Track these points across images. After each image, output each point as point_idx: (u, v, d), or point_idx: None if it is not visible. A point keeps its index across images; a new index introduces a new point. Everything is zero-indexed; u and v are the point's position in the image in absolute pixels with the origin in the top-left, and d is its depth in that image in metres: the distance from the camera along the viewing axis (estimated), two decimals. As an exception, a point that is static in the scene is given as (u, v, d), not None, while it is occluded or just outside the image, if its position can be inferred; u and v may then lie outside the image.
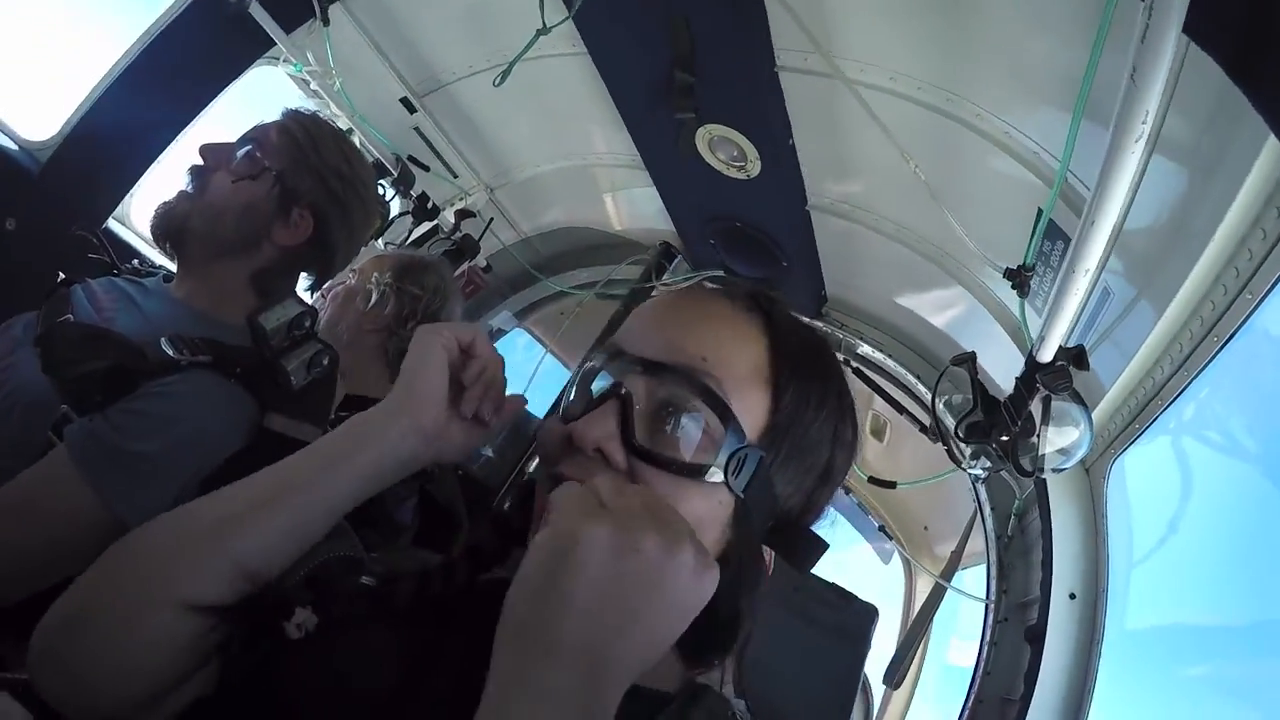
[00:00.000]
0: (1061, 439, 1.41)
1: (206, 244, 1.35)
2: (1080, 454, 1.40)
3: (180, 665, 0.65)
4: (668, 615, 0.56)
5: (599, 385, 0.74)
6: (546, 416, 2.60)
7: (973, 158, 1.77)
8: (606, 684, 0.53)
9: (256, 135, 1.38)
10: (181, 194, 1.37)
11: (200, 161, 1.37)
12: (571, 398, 0.77)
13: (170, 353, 1.17)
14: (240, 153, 1.36)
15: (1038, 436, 1.45)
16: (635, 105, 2.27)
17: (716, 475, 0.67)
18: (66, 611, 0.67)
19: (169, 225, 1.35)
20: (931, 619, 2.24)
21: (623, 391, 0.70)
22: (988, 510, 2.19)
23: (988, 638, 2.04)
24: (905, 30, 1.70)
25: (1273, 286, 1.17)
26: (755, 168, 2.24)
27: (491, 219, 3.01)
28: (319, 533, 0.72)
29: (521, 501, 0.77)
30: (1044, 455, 1.41)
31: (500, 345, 3.21)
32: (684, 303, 0.78)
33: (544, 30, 1.74)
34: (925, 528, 3.17)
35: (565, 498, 0.60)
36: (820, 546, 0.72)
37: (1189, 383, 1.44)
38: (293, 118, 1.41)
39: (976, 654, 2.05)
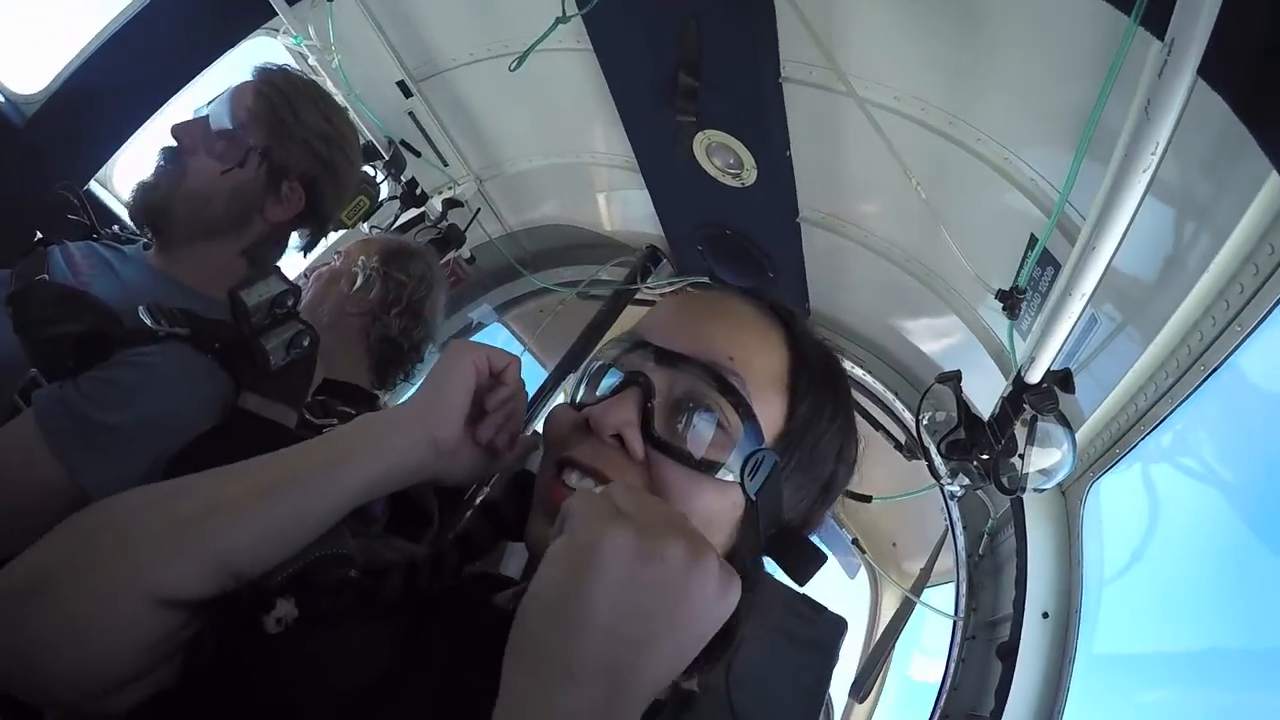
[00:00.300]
0: (1044, 459, 1.45)
1: (192, 227, 1.31)
2: (1062, 475, 1.44)
3: (145, 659, 0.61)
4: (691, 629, 0.54)
5: (615, 376, 0.74)
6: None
7: (970, 181, 1.80)
8: (627, 704, 0.50)
9: (232, 108, 1.32)
10: (160, 172, 1.31)
11: (174, 142, 1.31)
12: (584, 387, 0.77)
13: (148, 322, 1.12)
14: (217, 131, 1.30)
15: (1021, 456, 1.48)
16: (635, 105, 2.28)
17: (730, 475, 0.67)
18: (29, 578, 0.61)
19: (149, 209, 1.31)
20: (900, 633, 2.26)
21: (644, 380, 0.69)
22: (959, 529, 2.23)
23: (955, 654, 2.08)
24: (915, 52, 1.73)
25: (1262, 319, 1.21)
26: (751, 176, 2.26)
27: (479, 210, 2.97)
28: (313, 534, 0.67)
29: (513, 491, 0.75)
30: (1027, 474, 1.44)
31: (478, 339, 3.18)
32: (711, 302, 0.78)
33: (563, 19, 1.73)
34: (894, 544, 3.22)
35: (582, 504, 0.56)
36: (819, 558, 0.71)
37: (1171, 411, 1.49)
38: (265, 80, 1.35)
39: (944, 670, 2.08)
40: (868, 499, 2.03)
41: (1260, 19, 0.97)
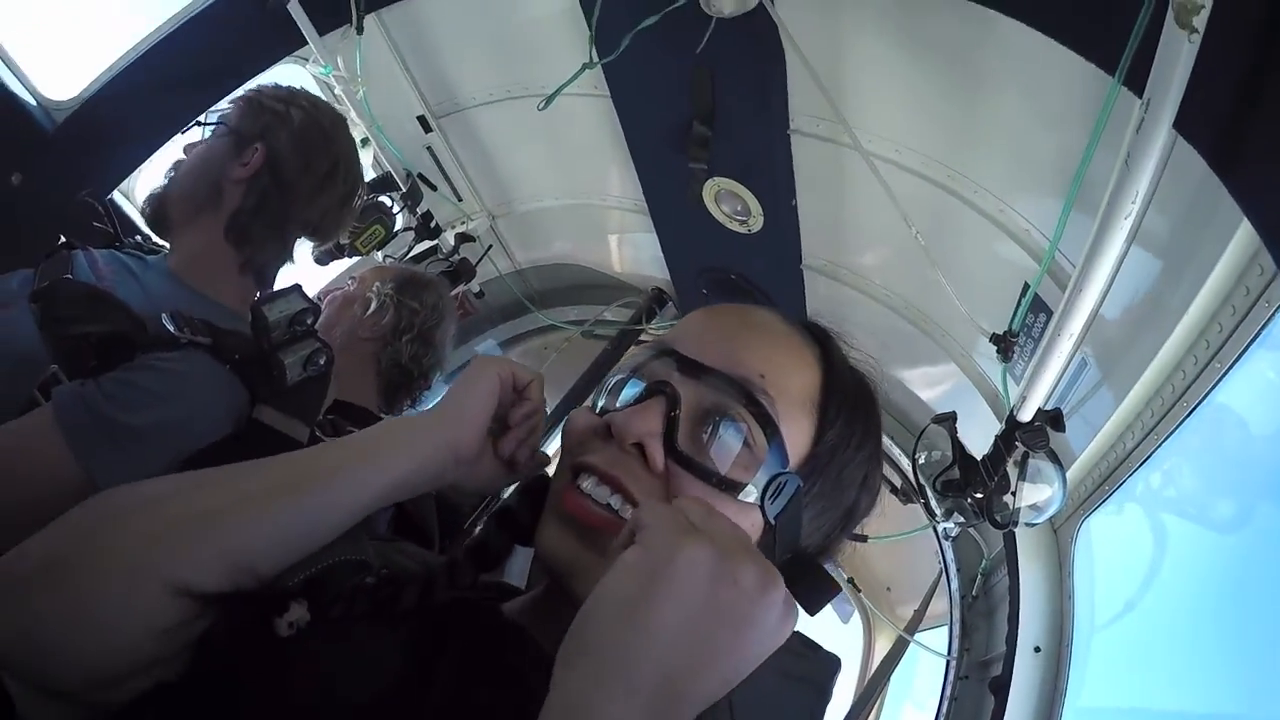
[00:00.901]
0: (1036, 495, 1.49)
1: (181, 207, 1.40)
2: (1053, 509, 1.48)
3: (154, 646, 0.59)
4: (747, 655, 0.53)
5: (637, 387, 0.72)
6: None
7: (966, 231, 1.89)
8: (678, 718, 0.49)
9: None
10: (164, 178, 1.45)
11: (182, 156, 1.45)
12: (606, 395, 0.76)
13: (171, 329, 1.16)
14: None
15: (1013, 492, 1.52)
16: (649, 150, 2.38)
17: (751, 495, 0.65)
18: (42, 559, 0.59)
19: (155, 208, 1.43)
20: (892, 673, 2.26)
21: (670, 391, 0.68)
22: (953, 570, 2.25)
23: (948, 693, 2.08)
24: (915, 108, 1.84)
25: (1240, 355, 1.28)
26: (757, 223, 2.35)
27: (490, 246, 3.06)
28: (331, 534, 0.67)
29: (527, 497, 0.75)
30: (1019, 509, 1.48)
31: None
32: (744, 314, 0.77)
33: (590, 65, 1.84)
34: (888, 589, 3.22)
35: (657, 515, 0.55)
36: (832, 589, 0.66)
37: (1157, 447, 1.55)
38: (254, 87, 1.50)
39: (936, 709, 2.08)
40: (864, 538, 2.05)
41: (1229, 79, 1.05)
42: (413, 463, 0.69)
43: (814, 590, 0.63)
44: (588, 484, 0.67)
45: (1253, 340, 1.23)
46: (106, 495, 0.65)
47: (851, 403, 0.74)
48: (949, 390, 2.41)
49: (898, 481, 2.60)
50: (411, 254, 2.85)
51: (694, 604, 0.50)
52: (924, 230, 1.86)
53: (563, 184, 2.92)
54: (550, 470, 0.77)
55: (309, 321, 1.29)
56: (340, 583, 0.68)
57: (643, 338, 3.03)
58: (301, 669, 0.62)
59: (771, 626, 0.53)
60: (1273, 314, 1.20)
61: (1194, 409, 1.41)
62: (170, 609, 0.58)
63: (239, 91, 1.50)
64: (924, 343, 2.32)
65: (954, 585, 2.24)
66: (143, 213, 1.45)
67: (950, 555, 2.27)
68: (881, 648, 3.11)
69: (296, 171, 1.43)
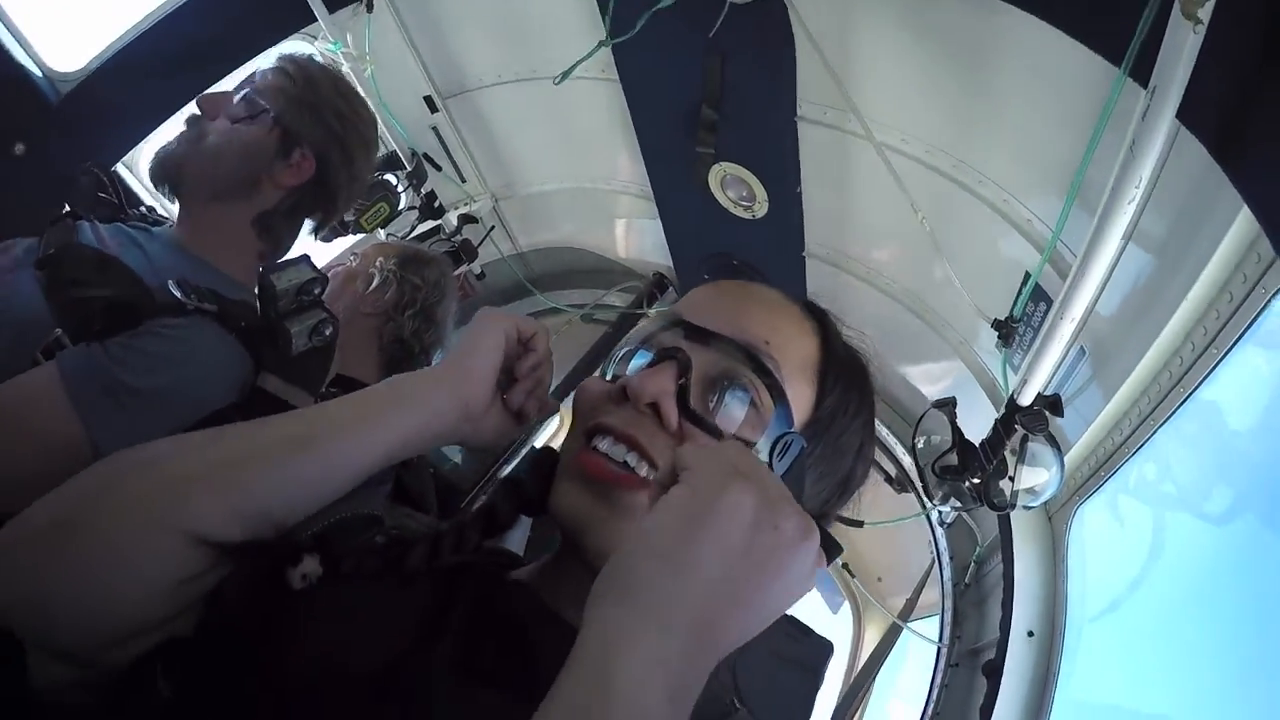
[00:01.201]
0: (1034, 478, 1.51)
1: (204, 186, 1.35)
2: (1050, 492, 1.50)
3: (169, 600, 0.59)
4: (779, 601, 0.54)
5: (646, 356, 0.74)
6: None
7: (970, 221, 1.91)
8: (707, 660, 0.50)
9: (253, 79, 1.40)
10: (180, 137, 1.37)
11: (198, 111, 1.38)
12: (615, 364, 0.78)
13: (178, 295, 1.15)
14: (238, 98, 1.37)
15: (1012, 475, 1.54)
16: (656, 134, 2.39)
17: (760, 455, 0.66)
18: (53, 515, 0.59)
19: (166, 168, 1.36)
20: (883, 662, 2.28)
21: (682, 355, 0.70)
22: (946, 559, 2.27)
23: (939, 680, 2.11)
24: (923, 98, 1.85)
25: (1237, 340, 1.31)
26: (762, 209, 2.36)
27: (492, 227, 3.07)
28: (344, 487, 0.68)
29: (536, 467, 0.76)
30: (1017, 492, 1.51)
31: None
32: (748, 288, 0.81)
33: (606, 42, 1.84)
34: (879, 579, 3.25)
35: (701, 457, 0.56)
36: (836, 549, 0.67)
37: (1152, 434, 1.57)
38: (288, 59, 1.43)
39: (926, 696, 2.11)
40: (860, 524, 2.08)
41: (1232, 68, 1.08)
42: (422, 419, 0.70)
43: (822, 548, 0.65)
44: (604, 444, 0.69)
45: (1250, 325, 1.25)
46: (115, 457, 0.65)
47: (848, 373, 0.77)
48: (948, 385, 2.43)
49: (893, 471, 2.63)
50: (414, 234, 2.86)
51: (736, 547, 0.50)
52: (929, 219, 1.88)
53: (566, 168, 2.92)
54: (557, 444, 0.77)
55: (316, 291, 1.29)
56: (352, 538, 0.69)
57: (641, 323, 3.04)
58: (314, 621, 0.63)
59: (805, 574, 0.54)
60: (1270, 299, 1.22)
61: (1190, 395, 1.43)
62: (189, 558, 0.59)
63: (276, 62, 1.42)
64: (924, 333, 2.34)
65: (946, 574, 2.27)
66: (151, 170, 1.38)
67: (943, 544, 2.30)
68: (871, 638, 3.14)
69: (341, 186, 1.44)
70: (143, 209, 1.59)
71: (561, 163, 2.91)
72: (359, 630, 0.64)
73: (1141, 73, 1.17)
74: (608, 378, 0.77)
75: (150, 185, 1.48)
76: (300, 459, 0.65)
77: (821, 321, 0.79)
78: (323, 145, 1.39)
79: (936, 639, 2.21)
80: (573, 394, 0.76)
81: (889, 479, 2.60)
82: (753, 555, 0.51)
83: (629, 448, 0.68)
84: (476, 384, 0.73)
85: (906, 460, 2.47)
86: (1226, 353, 1.31)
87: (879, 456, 2.70)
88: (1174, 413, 1.47)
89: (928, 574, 2.40)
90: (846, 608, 3.36)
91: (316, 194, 1.42)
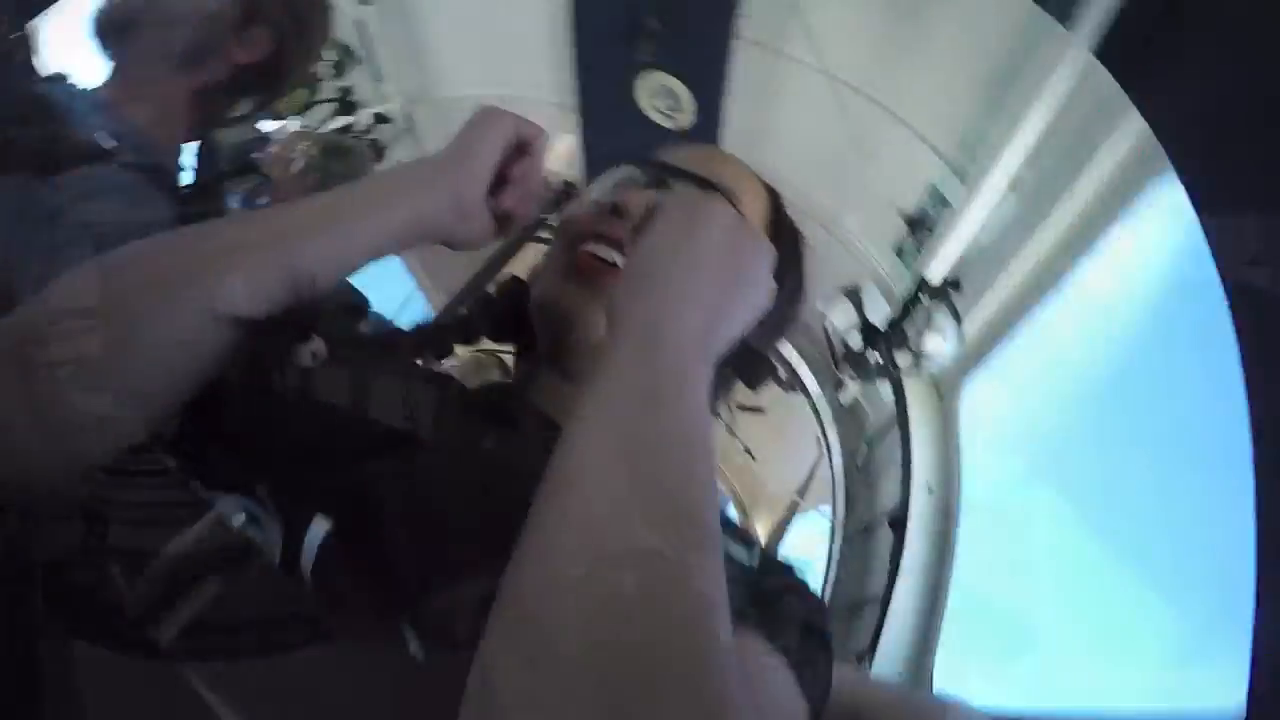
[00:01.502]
0: (935, 344, 1.78)
1: (152, 47, 1.24)
2: (951, 352, 1.77)
3: (189, 380, 0.56)
4: (755, 304, 0.58)
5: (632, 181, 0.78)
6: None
7: (884, 137, 2.14)
8: (720, 341, 0.54)
9: None
10: None
11: None
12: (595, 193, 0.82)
13: (107, 148, 1.08)
14: None
15: (913, 347, 1.80)
16: (590, 41, 2.44)
17: None
18: (56, 310, 0.54)
19: (114, 21, 1.23)
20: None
21: (667, 181, 0.74)
22: (836, 448, 2.55)
23: (836, 551, 2.38)
24: (852, 22, 2.04)
25: (1112, 223, 1.59)
26: (686, 120, 2.48)
27: (406, 129, 3.01)
28: (353, 268, 0.65)
29: (511, 296, 0.79)
30: (922, 354, 1.76)
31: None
32: (711, 149, 0.90)
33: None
34: (765, 484, 3.53)
35: (676, 191, 0.65)
36: (768, 365, 0.74)
37: (1035, 305, 1.85)
38: None
39: (824, 573, 2.37)
40: (760, 409, 2.31)
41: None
42: (416, 210, 0.67)
43: (751, 370, 0.73)
44: (600, 249, 0.72)
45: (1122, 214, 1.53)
46: (113, 254, 0.59)
47: (793, 237, 0.87)
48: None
49: (784, 374, 2.86)
50: (328, 127, 2.75)
51: (724, 242, 0.55)
52: (848, 139, 2.10)
53: (489, 74, 2.91)
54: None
55: (254, 155, 1.27)
56: (343, 325, 0.72)
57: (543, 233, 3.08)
58: (325, 396, 0.65)
59: (769, 284, 0.59)
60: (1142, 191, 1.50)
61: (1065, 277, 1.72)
62: (213, 336, 0.56)
63: None
64: (834, 248, 2.56)
65: (836, 461, 2.55)
66: (97, 20, 1.21)
67: (833, 434, 2.56)
68: (762, 530, 3.40)
69: (289, 72, 1.36)
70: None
71: (485, 69, 2.89)
72: (367, 400, 0.66)
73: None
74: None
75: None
76: (325, 237, 0.62)
77: (772, 191, 0.88)
78: (282, 26, 1.30)
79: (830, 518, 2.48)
80: (560, 221, 0.79)
81: (778, 380, 2.84)
82: (738, 252, 0.56)
83: (621, 252, 0.72)
84: (473, 180, 0.69)
85: (794, 358, 2.66)
86: (1103, 233, 1.58)
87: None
88: (1058, 285, 1.75)
89: (816, 464, 2.67)
90: (732, 509, 3.60)
91: (264, 76, 1.32)
